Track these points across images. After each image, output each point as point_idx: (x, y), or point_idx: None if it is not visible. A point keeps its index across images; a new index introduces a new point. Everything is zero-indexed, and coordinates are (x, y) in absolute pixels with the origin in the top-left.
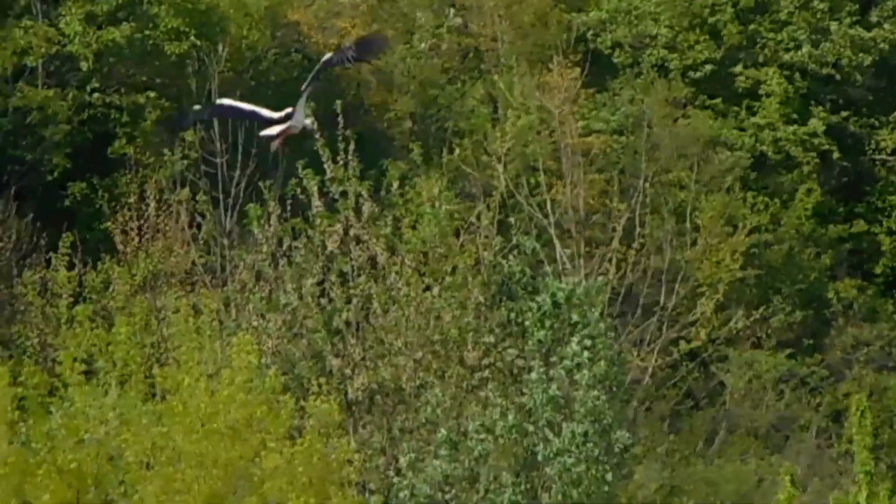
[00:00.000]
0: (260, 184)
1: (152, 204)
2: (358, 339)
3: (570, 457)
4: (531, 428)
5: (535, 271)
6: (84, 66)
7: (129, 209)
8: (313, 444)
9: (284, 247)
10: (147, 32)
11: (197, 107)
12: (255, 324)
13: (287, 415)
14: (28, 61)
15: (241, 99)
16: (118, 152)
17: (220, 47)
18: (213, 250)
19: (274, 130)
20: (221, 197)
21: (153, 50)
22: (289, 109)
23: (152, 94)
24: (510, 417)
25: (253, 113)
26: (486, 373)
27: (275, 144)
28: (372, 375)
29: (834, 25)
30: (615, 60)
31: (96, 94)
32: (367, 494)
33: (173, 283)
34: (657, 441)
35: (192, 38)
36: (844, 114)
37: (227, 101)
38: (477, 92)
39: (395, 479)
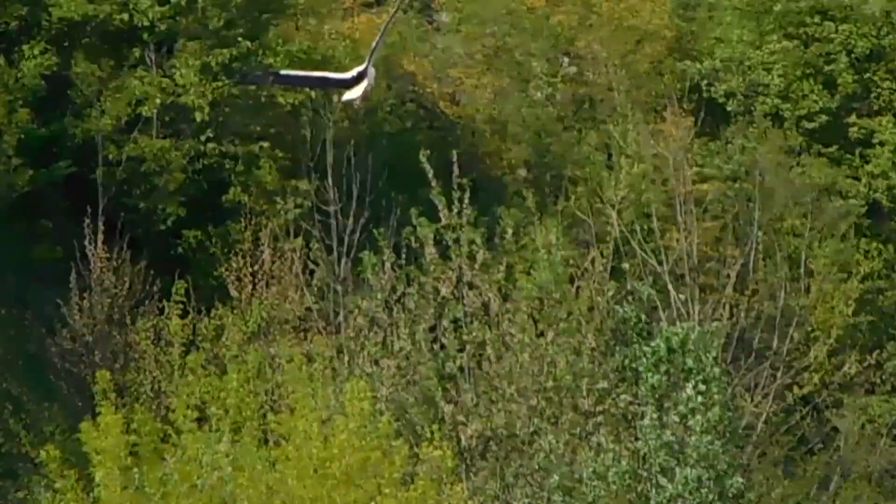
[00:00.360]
0: (374, 231)
1: (266, 251)
2: (471, 386)
3: (683, 503)
4: (645, 474)
5: (649, 317)
6: (198, 116)
7: (243, 256)
8: (427, 490)
9: (398, 293)
10: None
11: (259, 73)
12: (368, 370)
13: (401, 461)
14: (143, 111)
15: (356, 148)
16: (232, 201)
17: (334, 97)
18: (327, 297)
19: (355, 93)
20: (335, 244)
21: (267, 100)
22: (360, 68)
23: (266, 144)
24: (623, 463)
25: (323, 79)
26: (600, 418)
27: (357, 102)
28: (485, 422)
29: None
30: (728, 109)
31: (211, 144)
32: None
33: (287, 330)
34: (771, 486)
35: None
36: None
37: (292, 72)
38: (591, 140)
39: None
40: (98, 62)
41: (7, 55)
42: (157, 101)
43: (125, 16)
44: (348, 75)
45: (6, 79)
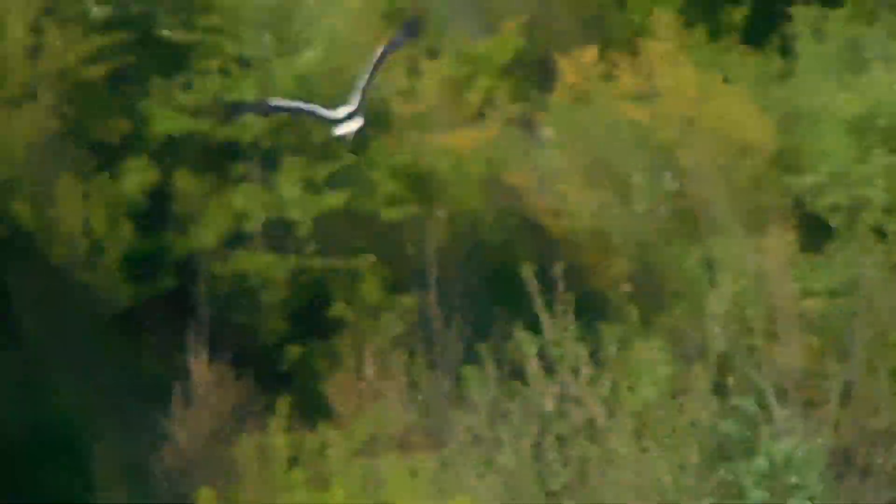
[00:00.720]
0: (476, 345)
1: (370, 366)
2: (575, 502)
3: None
4: None
5: (752, 433)
6: (302, 230)
7: (347, 372)
8: None
9: (501, 408)
10: (365, 197)
11: (250, 100)
12: (472, 485)
13: None
14: (246, 226)
15: (460, 263)
16: (336, 315)
17: (437, 211)
18: (431, 412)
19: (345, 129)
20: (438, 359)
21: (371, 215)
22: (350, 107)
23: (370, 259)
24: None
25: (311, 112)
26: None
27: (346, 140)
28: None
29: None
30: (831, 223)
31: (314, 259)
32: None
33: (390, 445)
34: None
35: (410, 202)
36: None
37: (281, 101)
38: (693, 254)
39: None
40: (201, 177)
41: (109, 170)
42: (261, 215)
43: (228, 130)
44: (338, 113)
45: (108, 193)
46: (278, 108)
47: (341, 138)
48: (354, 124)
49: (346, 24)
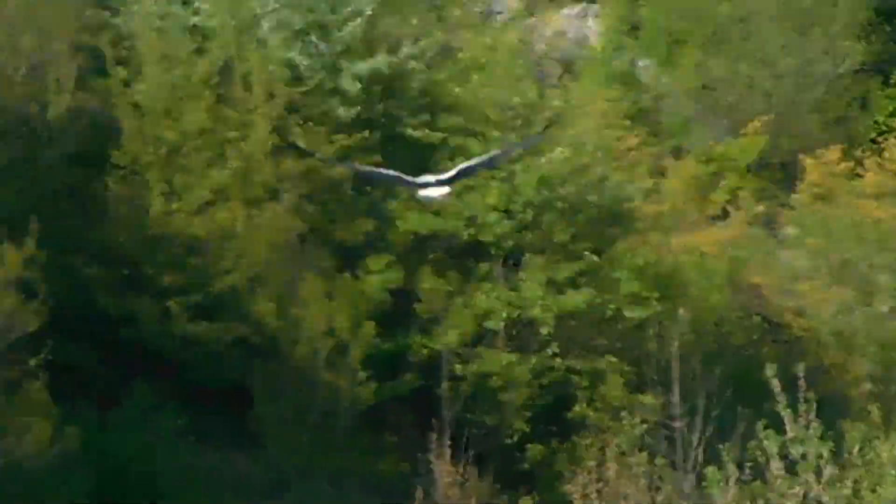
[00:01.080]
0: (719, 446)
1: (612, 467)
2: None
3: None
4: None
5: None
6: (544, 330)
7: (589, 472)
8: None
9: None
10: (608, 297)
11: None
12: None
13: None
14: (489, 325)
15: (702, 362)
16: (578, 415)
17: (680, 311)
18: None
19: (428, 193)
20: (680, 459)
21: (614, 314)
22: (443, 176)
23: (613, 359)
24: None
25: (396, 178)
26: None
27: (427, 203)
28: None
29: None
30: None
31: (557, 359)
32: None
33: None
34: None
35: (653, 302)
36: None
37: (366, 167)
38: None
39: None
40: (444, 276)
41: (352, 269)
42: (503, 315)
43: (472, 230)
44: (423, 180)
45: (351, 293)
46: (365, 174)
47: (424, 199)
48: (438, 192)
49: (590, 124)
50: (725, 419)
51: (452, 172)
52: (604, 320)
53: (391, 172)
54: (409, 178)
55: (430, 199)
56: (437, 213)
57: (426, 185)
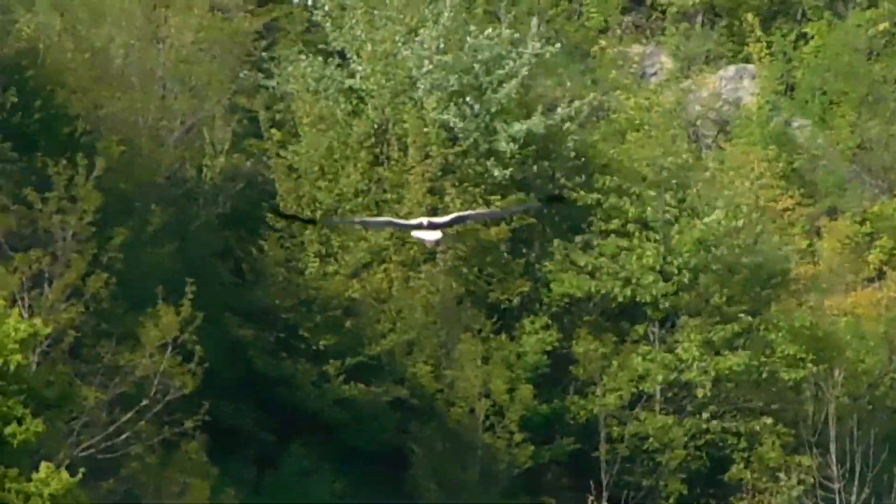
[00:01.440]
0: None
1: None
2: None
3: None
4: None
5: None
6: (701, 392)
7: None
8: None
9: None
10: (764, 359)
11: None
12: None
13: None
14: (645, 387)
15: (859, 423)
16: (735, 477)
17: (836, 372)
18: None
19: (422, 236)
20: None
21: (769, 376)
22: (439, 220)
23: (769, 421)
24: None
25: (388, 223)
26: None
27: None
28: None
29: None
30: None
31: (714, 421)
32: None
33: None
34: None
35: (809, 363)
36: None
37: (357, 219)
38: None
39: None
40: (600, 338)
41: (509, 330)
42: (660, 377)
43: (628, 291)
44: (415, 222)
45: (507, 354)
46: (362, 223)
47: (421, 240)
48: (430, 235)
49: (746, 185)
50: (882, 480)
51: (447, 218)
52: (760, 382)
53: (382, 219)
54: (402, 221)
55: (421, 241)
56: (591, 275)
57: (419, 227)
